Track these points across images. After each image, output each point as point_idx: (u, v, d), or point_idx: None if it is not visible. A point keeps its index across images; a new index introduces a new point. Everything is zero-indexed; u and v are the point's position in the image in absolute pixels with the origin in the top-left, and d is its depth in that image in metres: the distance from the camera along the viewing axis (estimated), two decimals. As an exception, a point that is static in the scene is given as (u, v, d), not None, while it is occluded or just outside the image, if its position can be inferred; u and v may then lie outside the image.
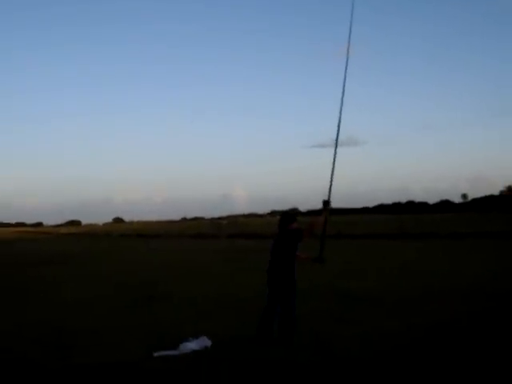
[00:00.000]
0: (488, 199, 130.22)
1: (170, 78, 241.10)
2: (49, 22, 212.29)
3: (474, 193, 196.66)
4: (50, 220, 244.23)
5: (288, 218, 9.25)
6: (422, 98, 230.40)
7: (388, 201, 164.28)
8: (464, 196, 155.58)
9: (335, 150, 9.21)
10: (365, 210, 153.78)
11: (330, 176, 9.12)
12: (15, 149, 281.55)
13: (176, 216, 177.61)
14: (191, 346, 8.77)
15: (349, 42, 9.60)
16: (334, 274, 18.51)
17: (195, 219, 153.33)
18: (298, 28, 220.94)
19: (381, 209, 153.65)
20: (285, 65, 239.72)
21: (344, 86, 9.39)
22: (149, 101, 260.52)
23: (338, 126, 9.33)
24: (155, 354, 8.48)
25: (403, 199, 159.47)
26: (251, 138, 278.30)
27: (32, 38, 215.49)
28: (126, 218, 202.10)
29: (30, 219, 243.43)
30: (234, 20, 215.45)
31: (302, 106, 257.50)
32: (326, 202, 9.16)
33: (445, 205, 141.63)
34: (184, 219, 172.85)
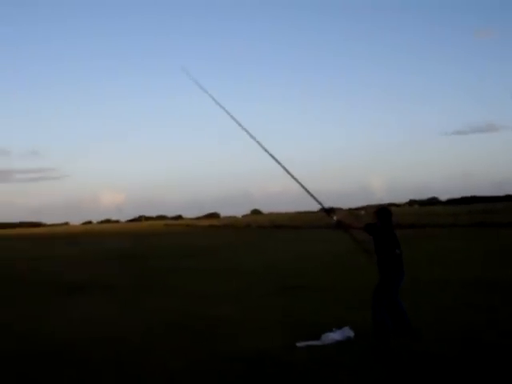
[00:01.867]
0: None
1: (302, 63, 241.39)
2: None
3: None
4: (188, 213, 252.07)
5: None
6: None
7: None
8: None
9: None
10: (508, 198, 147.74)
11: None
12: (154, 144, 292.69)
13: (313, 207, 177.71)
14: (334, 336, 8.66)
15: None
16: (480, 264, 17.86)
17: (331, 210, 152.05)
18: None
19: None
20: (421, 50, 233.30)
21: None
22: (285, 92, 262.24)
23: None
24: (298, 345, 8.47)
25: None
26: (389, 125, 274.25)
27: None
28: (264, 210, 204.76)
29: (170, 212, 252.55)
30: None
31: (440, 92, 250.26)
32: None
33: None
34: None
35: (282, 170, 9.01)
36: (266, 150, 9.40)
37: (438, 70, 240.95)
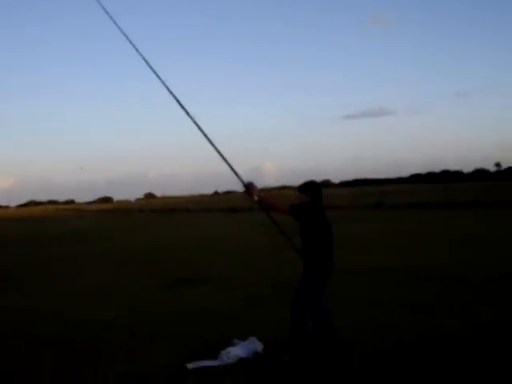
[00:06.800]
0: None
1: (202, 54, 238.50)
2: None
3: (509, 161, 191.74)
4: (81, 197, 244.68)
5: None
6: (453, 66, 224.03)
7: (421, 171, 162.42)
8: (497, 164, 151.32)
9: None
10: (399, 180, 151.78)
11: None
12: (45, 125, 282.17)
13: (208, 190, 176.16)
14: (236, 352, 6.50)
15: None
16: (393, 250, 16.26)
17: (228, 193, 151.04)
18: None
19: (415, 178, 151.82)
20: (312, 36, 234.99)
21: None
22: (178, 75, 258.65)
23: None
24: (189, 366, 6.25)
25: (436, 169, 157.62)
26: (280, 109, 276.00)
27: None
28: (158, 194, 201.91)
29: (61, 196, 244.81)
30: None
31: (330, 76, 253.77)
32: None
33: (480, 174, 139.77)
34: (216, 193, 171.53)
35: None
36: (188, 115, 7.01)
37: (329, 54, 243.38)
